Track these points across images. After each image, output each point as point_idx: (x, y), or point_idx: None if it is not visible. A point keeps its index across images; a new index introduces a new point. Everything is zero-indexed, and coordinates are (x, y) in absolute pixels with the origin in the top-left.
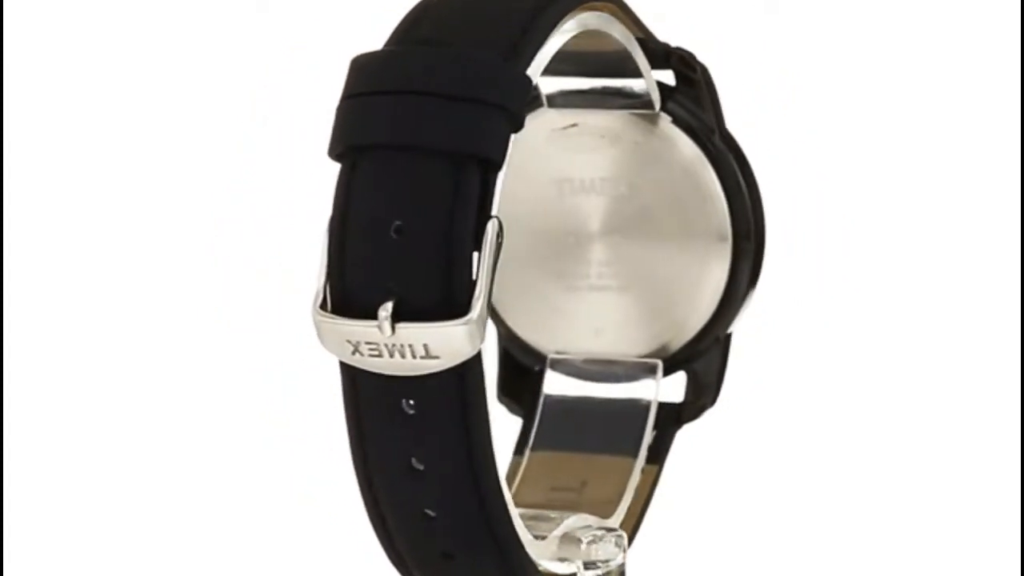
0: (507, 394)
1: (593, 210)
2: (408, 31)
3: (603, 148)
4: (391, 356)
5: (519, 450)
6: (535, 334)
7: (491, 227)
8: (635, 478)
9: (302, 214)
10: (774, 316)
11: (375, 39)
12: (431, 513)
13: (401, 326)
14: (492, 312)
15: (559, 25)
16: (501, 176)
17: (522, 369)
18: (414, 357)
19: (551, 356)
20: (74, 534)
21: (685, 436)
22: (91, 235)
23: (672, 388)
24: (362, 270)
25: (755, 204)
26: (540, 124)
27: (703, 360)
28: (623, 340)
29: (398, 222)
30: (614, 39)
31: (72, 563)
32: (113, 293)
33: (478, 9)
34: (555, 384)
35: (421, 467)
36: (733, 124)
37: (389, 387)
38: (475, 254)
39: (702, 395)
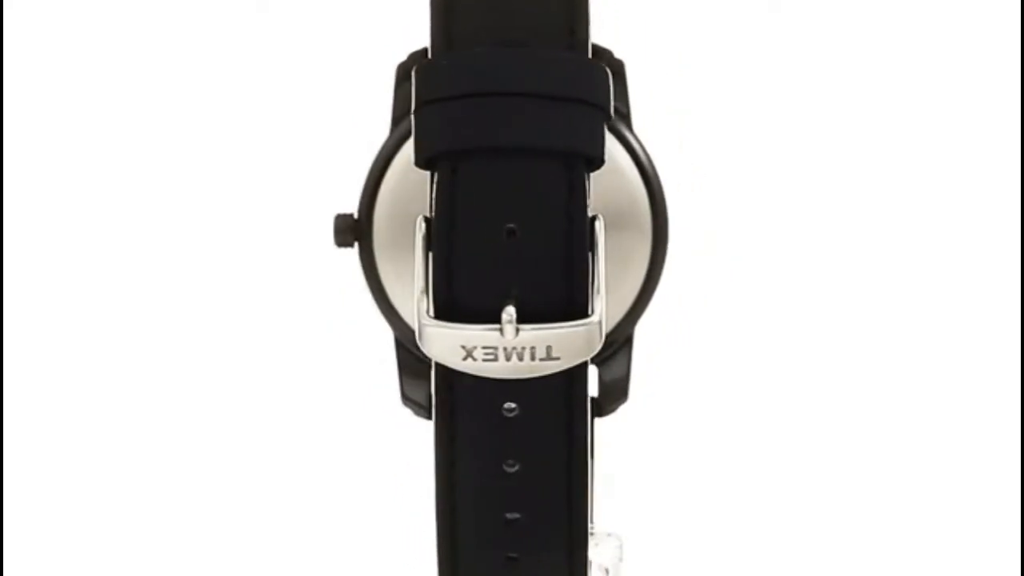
0: (412, 397)
1: None
2: (448, 31)
3: None
4: (507, 359)
5: None
6: None
7: (599, 226)
8: None
9: (301, 213)
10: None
11: (375, 38)
12: (513, 516)
13: (524, 328)
14: (392, 313)
15: None
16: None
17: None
18: (533, 359)
19: None
20: (76, 534)
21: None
22: (91, 236)
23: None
24: (477, 275)
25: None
26: None
27: (614, 359)
28: None
29: (511, 225)
30: None
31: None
32: (112, 293)
33: (518, 6)
34: None
35: (514, 469)
36: (733, 122)
37: (492, 391)
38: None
39: (612, 392)
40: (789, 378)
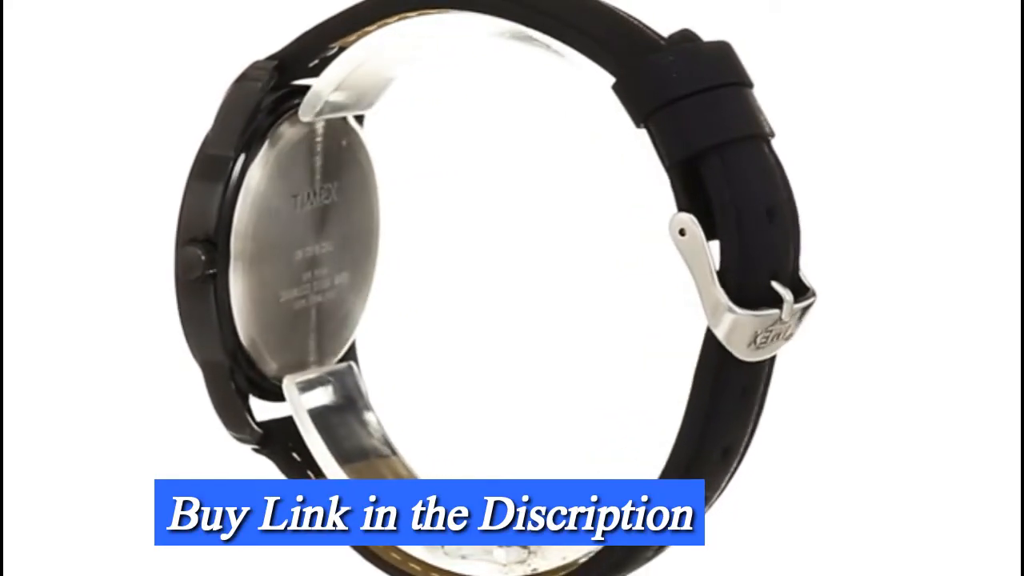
0: (247, 427)
1: (315, 221)
2: (601, 38)
3: (321, 157)
4: (773, 340)
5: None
6: (269, 355)
7: None
8: (406, 472)
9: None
10: None
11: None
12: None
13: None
14: (235, 342)
15: None
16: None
17: (257, 392)
18: (783, 338)
19: (294, 375)
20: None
21: None
22: (91, 236)
23: None
24: (760, 260)
25: None
26: (289, 137)
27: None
28: (334, 347)
29: (769, 207)
30: None
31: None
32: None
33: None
34: (311, 399)
35: (724, 444)
36: None
37: (743, 371)
38: None
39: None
40: (789, 377)
